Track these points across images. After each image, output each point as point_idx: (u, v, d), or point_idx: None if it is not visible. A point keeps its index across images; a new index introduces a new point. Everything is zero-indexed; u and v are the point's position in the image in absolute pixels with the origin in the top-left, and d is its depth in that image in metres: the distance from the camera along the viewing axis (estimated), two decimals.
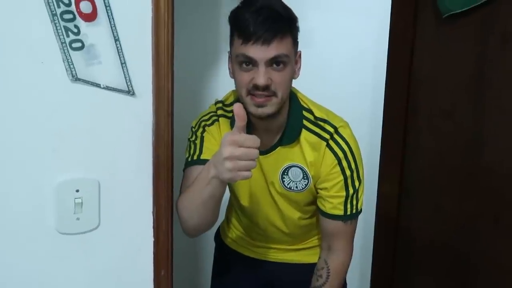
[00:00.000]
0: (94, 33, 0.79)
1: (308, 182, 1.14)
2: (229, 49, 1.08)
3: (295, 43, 1.06)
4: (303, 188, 1.15)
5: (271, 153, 1.14)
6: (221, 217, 1.33)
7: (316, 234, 1.31)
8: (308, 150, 1.12)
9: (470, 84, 1.38)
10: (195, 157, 1.13)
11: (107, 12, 0.80)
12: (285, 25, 1.01)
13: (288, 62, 1.02)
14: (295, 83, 1.12)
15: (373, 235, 1.83)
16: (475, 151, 1.37)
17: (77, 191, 0.83)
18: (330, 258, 1.18)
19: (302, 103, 1.15)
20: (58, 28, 0.77)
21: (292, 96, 1.14)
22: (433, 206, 1.54)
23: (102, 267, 0.88)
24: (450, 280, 1.49)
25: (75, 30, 0.78)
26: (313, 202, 1.20)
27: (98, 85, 0.82)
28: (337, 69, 2.02)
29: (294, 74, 1.08)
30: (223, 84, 1.39)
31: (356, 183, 1.13)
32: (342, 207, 1.13)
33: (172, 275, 0.96)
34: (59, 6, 0.76)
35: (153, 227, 0.91)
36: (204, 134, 1.16)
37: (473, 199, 1.39)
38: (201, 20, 1.84)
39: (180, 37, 1.04)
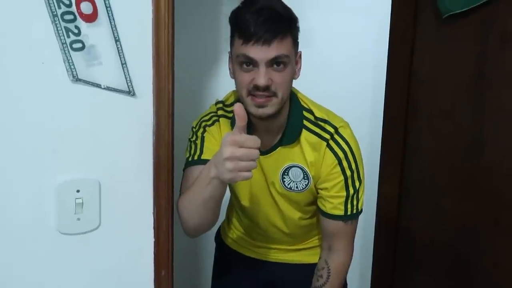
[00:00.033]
0: (94, 34, 0.80)
1: (308, 182, 1.14)
2: (229, 50, 1.08)
3: (295, 43, 1.06)
4: (303, 188, 1.15)
5: (271, 153, 1.14)
6: (222, 217, 1.33)
7: (316, 234, 1.31)
8: (308, 150, 1.12)
9: (470, 84, 1.38)
10: (195, 157, 1.13)
11: (108, 13, 0.80)
12: (286, 25, 1.01)
13: (288, 62, 1.02)
14: (296, 83, 1.12)
15: (373, 235, 1.83)
16: (475, 151, 1.37)
17: (78, 191, 0.83)
18: (331, 258, 1.18)
19: (302, 103, 1.15)
20: (59, 28, 0.77)
21: (293, 97, 1.14)
22: (433, 206, 1.54)
23: (103, 267, 0.88)
24: (450, 280, 1.49)
25: (76, 31, 0.78)
26: (314, 202, 1.20)
27: (98, 86, 0.82)
28: (337, 69, 2.03)
29: (294, 75, 1.08)
30: (223, 84, 1.39)
31: (357, 183, 1.13)
32: (343, 207, 1.13)
33: (172, 275, 0.96)
34: (59, 7, 0.76)
35: (154, 228, 0.91)
36: (204, 134, 1.16)
37: (473, 199, 1.39)
38: (201, 20, 1.85)
39: (181, 38, 1.05)
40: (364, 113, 2.05)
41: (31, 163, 0.79)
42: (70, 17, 0.77)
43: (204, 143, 1.14)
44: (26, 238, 0.81)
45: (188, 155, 1.16)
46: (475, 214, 1.38)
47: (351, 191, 1.13)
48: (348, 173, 1.12)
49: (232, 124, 1.13)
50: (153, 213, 0.91)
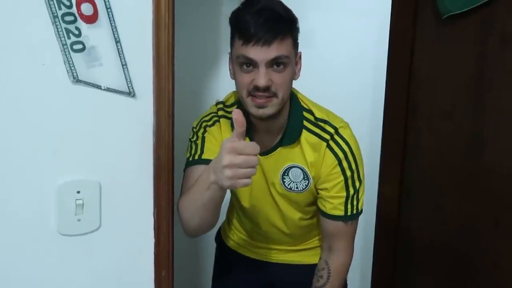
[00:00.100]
0: (95, 35, 0.80)
1: (308, 182, 1.15)
2: (229, 50, 1.08)
3: (295, 44, 1.06)
4: (303, 189, 1.16)
5: (271, 153, 1.14)
6: (222, 217, 1.34)
7: (317, 235, 1.31)
8: (308, 150, 1.12)
9: (470, 84, 1.38)
10: (196, 157, 1.13)
11: (108, 14, 0.80)
12: (286, 26, 1.01)
13: (288, 63, 1.02)
14: (296, 84, 1.12)
15: (373, 235, 1.83)
16: (475, 152, 1.37)
17: (78, 192, 0.83)
18: (331, 258, 1.18)
19: (302, 103, 1.16)
20: (59, 30, 0.77)
21: (293, 97, 1.14)
22: (433, 206, 1.54)
23: (103, 268, 0.88)
24: (450, 280, 1.50)
25: (76, 32, 0.78)
26: (314, 202, 1.20)
27: (99, 87, 0.82)
28: (338, 69, 2.03)
29: (294, 75, 1.08)
30: (223, 85, 1.39)
31: (357, 184, 1.13)
32: (343, 208, 1.13)
33: (173, 276, 0.96)
34: (60, 8, 0.76)
35: (154, 228, 0.91)
36: (205, 135, 1.16)
37: (473, 200, 1.39)
38: (201, 21, 1.85)
39: (181, 38, 1.05)
40: (364, 113, 2.05)
41: (31, 164, 0.79)
42: (71, 18, 0.77)
43: (205, 143, 1.14)
44: (27, 239, 0.81)
45: (188, 155, 1.16)
46: (475, 214, 1.38)
47: (351, 191, 1.13)
48: (348, 173, 1.12)
49: (233, 125, 1.13)
50: (154, 213, 0.91)
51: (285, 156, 1.14)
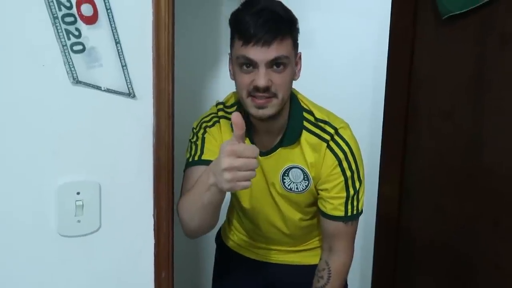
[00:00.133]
0: (95, 36, 0.80)
1: (308, 183, 1.15)
2: (229, 51, 1.08)
3: (295, 44, 1.06)
4: (303, 189, 1.16)
5: (271, 154, 1.14)
6: (222, 218, 1.34)
7: (317, 235, 1.31)
8: (308, 151, 1.12)
9: (469, 85, 1.38)
10: (196, 158, 1.13)
11: (108, 15, 0.80)
12: (286, 27, 1.01)
13: (288, 63, 1.02)
14: (296, 84, 1.12)
15: (373, 235, 1.83)
16: (474, 152, 1.37)
17: (78, 193, 0.83)
18: (331, 259, 1.18)
19: (302, 104, 1.16)
20: (59, 31, 0.77)
21: (293, 98, 1.14)
22: (433, 206, 1.55)
23: (103, 269, 0.88)
24: (450, 280, 1.50)
25: (76, 33, 0.78)
26: (314, 203, 1.20)
27: (99, 88, 0.82)
28: (338, 70, 2.03)
29: (294, 76, 1.08)
30: (223, 85, 1.39)
31: (357, 184, 1.13)
32: (343, 208, 1.13)
33: (173, 277, 0.96)
34: (60, 9, 0.76)
35: (154, 229, 0.91)
36: (205, 135, 1.16)
37: (473, 200, 1.39)
38: (201, 22, 1.85)
39: (181, 39, 1.05)
40: (364, 113, 2.05)
41: (31, 165, 0.79)
42: (71, 19, 0.77)
43: (205, 144, 1.14)
44: (26, 240, 0.81)
45: (188, 155, 1.16)
46: (475, 215, 1.38)
47: (351, 191, 1.13)
48: (348, 173, 1.12)
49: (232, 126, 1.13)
50: (153, 214, 0.91)
51: (285, 156, 1.14)
